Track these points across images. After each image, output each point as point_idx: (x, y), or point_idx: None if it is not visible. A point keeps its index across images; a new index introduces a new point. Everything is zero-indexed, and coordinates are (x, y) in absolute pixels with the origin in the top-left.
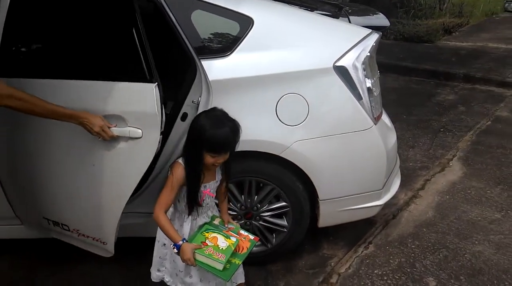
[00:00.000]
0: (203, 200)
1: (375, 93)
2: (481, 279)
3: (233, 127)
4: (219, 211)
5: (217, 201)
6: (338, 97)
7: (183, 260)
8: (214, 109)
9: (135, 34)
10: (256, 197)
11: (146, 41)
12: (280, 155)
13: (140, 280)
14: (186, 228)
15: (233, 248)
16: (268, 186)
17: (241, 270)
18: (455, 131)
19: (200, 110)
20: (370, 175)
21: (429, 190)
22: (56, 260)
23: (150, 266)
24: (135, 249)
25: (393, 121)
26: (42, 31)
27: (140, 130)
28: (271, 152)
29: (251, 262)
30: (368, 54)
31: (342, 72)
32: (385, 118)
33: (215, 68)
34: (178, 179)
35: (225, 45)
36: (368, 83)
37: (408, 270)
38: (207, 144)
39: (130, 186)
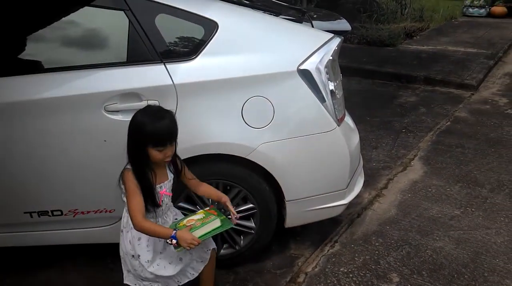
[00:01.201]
0: (162, 201)
1: (338, 96)
2: (442, 273)
3: (171, 117)
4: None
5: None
6: (302, 100)
7: (187, 245)
8: (148, 106)
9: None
10: None
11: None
12: (247, 157)
13: None
14: (145, 236)
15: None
16: (235, 188)
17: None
18: (416, 132)
19: None
20: (334, 175)
21: (392, 189)
22: (17, 269)
23: (116, 272)
24: (99, 256)
25: (356, 123)
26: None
27: (157, 101)
28: (237, 154)
29: (219, 265)
30: (331, 57)
31: (306, 75)
32: (348, 120)
33: (180, 72)
34: (133, 183)
35: (190, 49)
36: (331, 86)
37: (373, 267)
38: (151, 139)
39: None
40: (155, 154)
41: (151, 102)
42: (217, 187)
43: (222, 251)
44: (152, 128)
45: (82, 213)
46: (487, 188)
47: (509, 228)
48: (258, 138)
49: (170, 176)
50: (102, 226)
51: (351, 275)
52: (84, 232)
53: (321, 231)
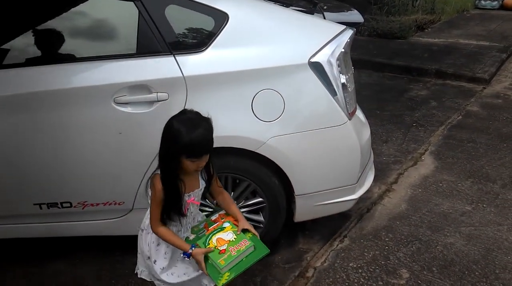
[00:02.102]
0: (187, 209)
1: (349, 89)
2: (452, 270)
3: (208, 127)
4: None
5: (222, 211)
6: (313, 93)
7: (198, 268)
8: (184, 112)
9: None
10: (232, 193)
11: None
12: (256, 151)
13: (115, 279)
14: (164, 243)
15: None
16: (245, 181)
17: None
18: (427, 126)
19: (175, 107)
20: (345, 169)
21: (402, 183)
22: (27, 260)
23: (123, 265)
24: (107, 248)
25: (367, 116)
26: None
27: (166, 94)
28: (247, 148)
29: None
30: (343, 50)
31: (317, 68)
32: (359, 113)
33: (190, 64)
34: (159, 190)
35: (200, 40)
36: (343, 79)
37: (382, 262)
38: (186, 150)
39: (156, 145)
40: (189, 164)
41: (160, 95)
42: (226, 181)
43: None
44: (187, 140)
45: (92, 205)
46: (499, 184)
47: None
48: (268, 132)
49: (202, 184)
50: (111, 218)
51: (360, 271)
52: (93, 224)
53: (330, 226)
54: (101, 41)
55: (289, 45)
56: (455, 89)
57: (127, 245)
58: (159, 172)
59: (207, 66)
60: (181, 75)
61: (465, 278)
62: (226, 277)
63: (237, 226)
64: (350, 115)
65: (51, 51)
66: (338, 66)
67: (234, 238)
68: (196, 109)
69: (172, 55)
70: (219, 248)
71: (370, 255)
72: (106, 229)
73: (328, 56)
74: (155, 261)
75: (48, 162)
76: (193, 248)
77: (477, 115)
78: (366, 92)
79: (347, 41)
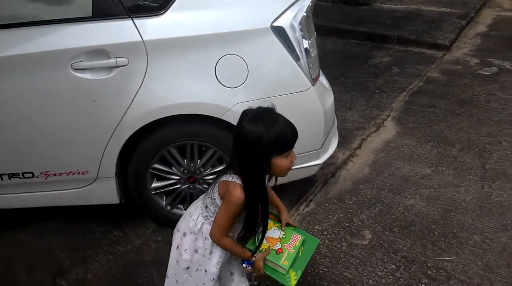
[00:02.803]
0: None
1: (312, 55)
2: (412, 230)
3: (279, 114)
4: None
5: None
6: (277, 59)
7: (255, 273)
8: (246, 112)
9: None
10: (199, 160)
11: None
12: (222, 118)
13: (83, 248)
14: (218, 253)
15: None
16: (211, 149)
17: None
18: (389, 93)
19: (135, 72)
20: (309, 135)
21: (365, 148)
22: None
23: (92, 234)
24: (75, 218)
25: (331, 83)
26: None
27: (126, 59)
28: (212, 115)
29: None
30: (305, 14)
31: (280, 32)
32: (322, 79)
33: (149, 28)
34: (240, 205)
35: (159, 3)
36: (306, 44)
37: (346, 224)
38: (276, 147)
39: (122, 108)
40: (282, 162)
41: (120, 60)
42: (192, 148)
43: None
44: (273, 134)
45: (55, 175)
46: (457, 147)
47: (478, 186)
48: (233, 98)
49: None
50: (76, 188)
51: (325, 233)
52: (58, 194)
53: (296, 191)
54: (55, 4)
55: (251, 9)
56: (416, 55)
57: (94, 214)
58: (236, 180)
59: (167, 30)
60: (141, 39)
61: (424, 238)
62: (294, 277)
63: (277, 220)
64: (314, 81)
65: (3, 16)
66: (301, 30)
67: (283, 235)
68: (157, 75)
69: (130, 19)
70: (273, 248)
71: (334, 218)
72: (71, 199)
73: (290, 20)
74: (206, 271)
75: (6, 131)
76: (255, 255)
77: (437, 81)
78: (331, 59)
79: (309, 5)
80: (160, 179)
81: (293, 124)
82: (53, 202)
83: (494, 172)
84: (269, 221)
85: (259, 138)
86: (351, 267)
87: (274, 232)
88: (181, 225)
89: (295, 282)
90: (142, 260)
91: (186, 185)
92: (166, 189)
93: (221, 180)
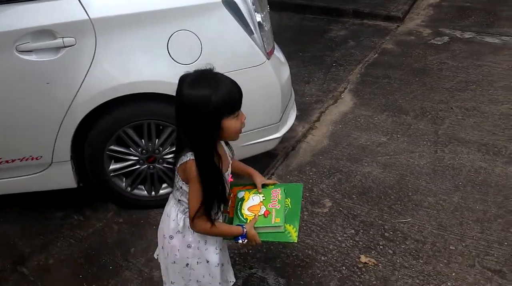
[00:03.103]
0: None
1: (266, 28)
2: (370, 195)
3: (217, 72)
4: None
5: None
6: (230, 33)
7: (252, 245)
8: (184, 77)
9: None
10: (157, 140)
11: None
12: None
13: (43, 235)
14: (212, 239)
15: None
16: (169, 127)
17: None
18: (346, 65)
19: (84, 52)
20: (267, 109)
21: (324, 121)
22: None
23: (50, 220)
24: (31, 205)
25: (289, 58)
26: None
27: (73, 38)
28: (167, 93)
29: (160, 204)
30: None
31: (232, 6)
32: (278, 53)
33: (96, 5)
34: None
35: None
36: (258, 17)
37: (307, 194)
38: (225, 108)
39: (72, 90)
40: (233, 124)
41: (67, 40)
42: (149, 128)
43: (161, 191)
44: (221, 94)
45: (7, 162)
46: (411, 115)
47: (431, 150)
48: None
49: (230, 154)
50: (31, 174)
51: None
52: (12, 182)
53: (257, 165)
54: None
55: None
56: (371, 28)
57: (53, 200)
58: (187, 159)
59: (114, 7)
60: (87, 17)
61: (381, 202)
62: (293, 230)
63: (252, 188)
64: (269, 54)
65: None
66: (253, 4)
67: (263, 197)
68: (107, 54)
69: None
70: (259, 214)
71: None
72: (27, 186)
73: None
74: (207, 261)
75: None
76: (244, 227)
77: (391, 53)
78: (288, 35)
79: None
80: (118, 160)
81: (236, 82)
82: (8, 189)
83: (446, 136)
84: (243, 193)
85: (206, 101)
86: (313, 234)
87: (253, 199)
88: (164, 229)
89: (296, 235)
90: (105, 242)
91: (146, 165)
92: (125, 170)
93: (178, 165)
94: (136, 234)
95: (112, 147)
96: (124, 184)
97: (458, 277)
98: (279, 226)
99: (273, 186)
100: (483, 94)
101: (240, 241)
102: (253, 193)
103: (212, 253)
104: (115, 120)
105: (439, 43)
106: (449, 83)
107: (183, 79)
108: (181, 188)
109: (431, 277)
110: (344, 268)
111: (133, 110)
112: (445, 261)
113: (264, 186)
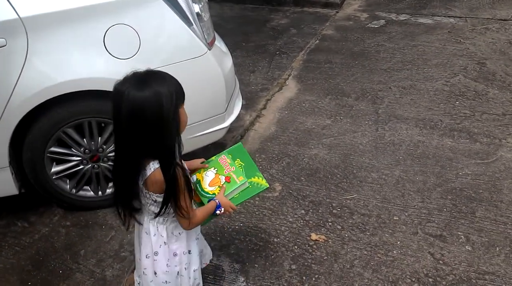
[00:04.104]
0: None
1: (205, 19)
2: (318, 176)
3: (155, 70)
4: None
5: None
6: (168, 25)
7: (229, 212)
8: (124, 82)
9: None
10: (99, 138)
11: None
12: None
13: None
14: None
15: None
16: (111, 124)
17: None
18: (289, 53)
19: (15, 52)
20: (212, 99)
21: (270, 108)
22: None
23: None
24: None
25: (233, 49)
26: None
27: (3, 39)
28: (107, 89)
29: (108, 204)
30: None
31: None
32: (219, 43)
33: (25, 3)
34: (162, 182)
35: None
36: (197, 8)
37: None
38: (181, 96)
39: (6, 93)
40: (183, 112)
41: None
42: (90, 126)
43: (108, 190)
44: (173, 86)
45: None
46: (353, 97)
47: (372, 129)
48: (127, 70)
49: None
50: None
51: None
52: None
53: (207, 156)
54: None
55: None
56: (312, 15)
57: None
58: (152, 170)
59: (46, 5)
60: (17, 16)
61: (328, 182)
62: (259, 179)
63: (198, 169)
64: (210, 45)
65: None
66: None
67: (215, 169)
68: (42, 53)
69: None
70: (222, 183)
71: None
72: None
73: None
74: (194, 270)
75: None
76: (215, 199)
77: (332, 38)
78: (230, 26)
79: None
80: (60, 162)
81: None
82: None
83: (386, 115)
84: (194, 175)
85: (169, 94)
86: (265, 218)
87: (208, 176)
88: (145, 250)
89: (264, 181)
90: (53, 246)
91: (90, 165)
92: (68, 172)
93: (141, 181)
94: (85, 236)
95: (53, 149)
96: (68, 186)
97: (403, 245)
98: (244, 182)
99: (215, 157)
100: (418, 73)
101: (218, 212)
102: (204, 171)
103: (194, 247)
104: (53, 121)
105: (376, 26)
106: (387, 64)
107: (124, 85)
108: (155, 201)
109: (378, 247)
110: (296, 247)
111: (71, 110)
112: (390, 231)
113: (207, 161)
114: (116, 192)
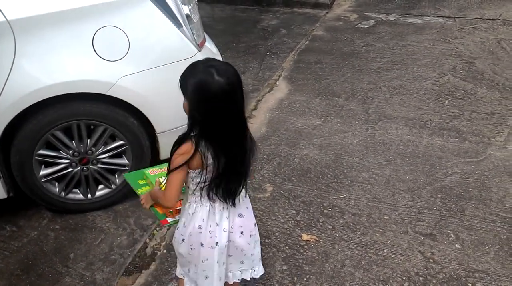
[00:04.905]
0: None
1: (194, 20)
2: (309, 176)
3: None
4: None
5: None
6: (158, 27)
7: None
8: (210, 67)
9: None
10: (88, 140)
11: None
12: (107, 93)
13: None
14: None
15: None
16: (100, 126)
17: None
18: (279, 54)
19: (3, 55)
20: None
21: (261, 109)
22: None
23: None
24: None
25: (223, 50)
26: None
27: None
28: (96, 91)
29: (97, 207)
30: None
31: (158, 0)
32: (209, 44)
33: (12, 6)
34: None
35: None
36: (186, 9)
37: (249, 181)
38: None
39: None
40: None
41: None
42: (79, 128)
43: (97, 193)
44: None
45: None
46: (343, 97)
47: (362, 129)
48: (116, 71)
49: None
50: None
51: None
52: None
53: None
54: None
55: None
56: (301, 16)
57: None
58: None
59: (33, 7)
60: (4, 19)
61: (319, 182)
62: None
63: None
64: (200, 46)
65: None
66: None
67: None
68: (29, 56)
69: None
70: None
71: None
72: None
73: None
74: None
75: None
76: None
77: (322, 39)
78: (221, 27)
79: None
80: (49, 165)
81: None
82: None
83: (376, 115)
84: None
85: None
86: (256, 219)
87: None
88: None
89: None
90: (42, 250)
91: (79, 168)
92: (57, 175)
93: None
94: (74, 239)
95: (41, 152)
96: (57, 189)
97: (394, 243)
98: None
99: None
100: (408, 73)
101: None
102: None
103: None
104: (41, 124)
105: (365, 26)
106: (377, 65)
107: (209, 71)
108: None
109: (369, 246)
110: (287, 247)
111: (60, 112)
112: (381, 230)
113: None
114: None
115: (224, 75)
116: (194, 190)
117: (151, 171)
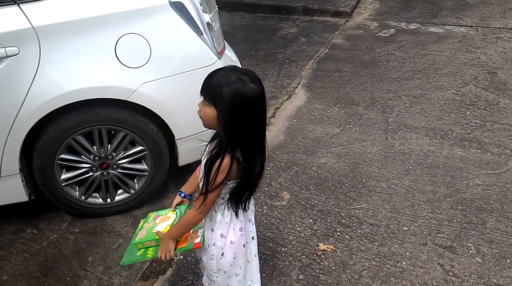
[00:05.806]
0: None
1: (215, 28)
2: (326, 185)
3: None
4: None
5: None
6: (179, 35)
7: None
8: (243, 75)
9: None
10: (109, 145)
11: None
12: (128, 99)
13: None
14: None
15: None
16: (121, 132)
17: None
18: (298, 61)
19: (28, 61)
20: None
21: (279, 116)
22: None
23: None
24: None
25: (243, 57)
26: None
27: (16, 48)
28: (117, 97)
29: (116, 211)
30: None
31: (179, 8)
32: (229, 52)
33: (38, 13)
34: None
35: None
36: (207, 18)
37: (266, 189)
38: None
39: (18, 101)
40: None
41: (10, 50)
42: (100, 134)
43: (116, 197)
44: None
45: None
46: (362, 106)
47: (382, 138)
48: (138, 78)
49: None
50: None
51: None
52: None
53: None
54: None
55: None
56: (321, 24)
57: (2, 215)
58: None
59: (58, 14)
60: (30, 26)
61: (337, 191)
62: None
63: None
64: (220, 54)
65: None
66: (200, 4)
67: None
68: (54, 61)
69: (16, 4)
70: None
71: None
72: None
73: None
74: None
75: None
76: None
77: (341, 47)
78: (241, 34)
79: None
80: (70, 169)
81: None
82: None
83: (395, 124)
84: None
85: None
86: (273, 227)
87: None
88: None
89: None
90: (61, 253)
91: (99, 172)
92: (77, 179)
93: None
94: (93, 243)
95: (63, 156)
96: (77, 192)
97: (412, 255)
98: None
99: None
100: (429, 82)
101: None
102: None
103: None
104: (63, 129)
105: (386, 35)
106: (397, 73)
107: (242, 79)
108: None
109: (387, 258)
110: (304, 256)
111: (82, 117)
112: (399, 241)
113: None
114: None
115: (256, 81)
116: (227, 199)
117: (139, 237)
